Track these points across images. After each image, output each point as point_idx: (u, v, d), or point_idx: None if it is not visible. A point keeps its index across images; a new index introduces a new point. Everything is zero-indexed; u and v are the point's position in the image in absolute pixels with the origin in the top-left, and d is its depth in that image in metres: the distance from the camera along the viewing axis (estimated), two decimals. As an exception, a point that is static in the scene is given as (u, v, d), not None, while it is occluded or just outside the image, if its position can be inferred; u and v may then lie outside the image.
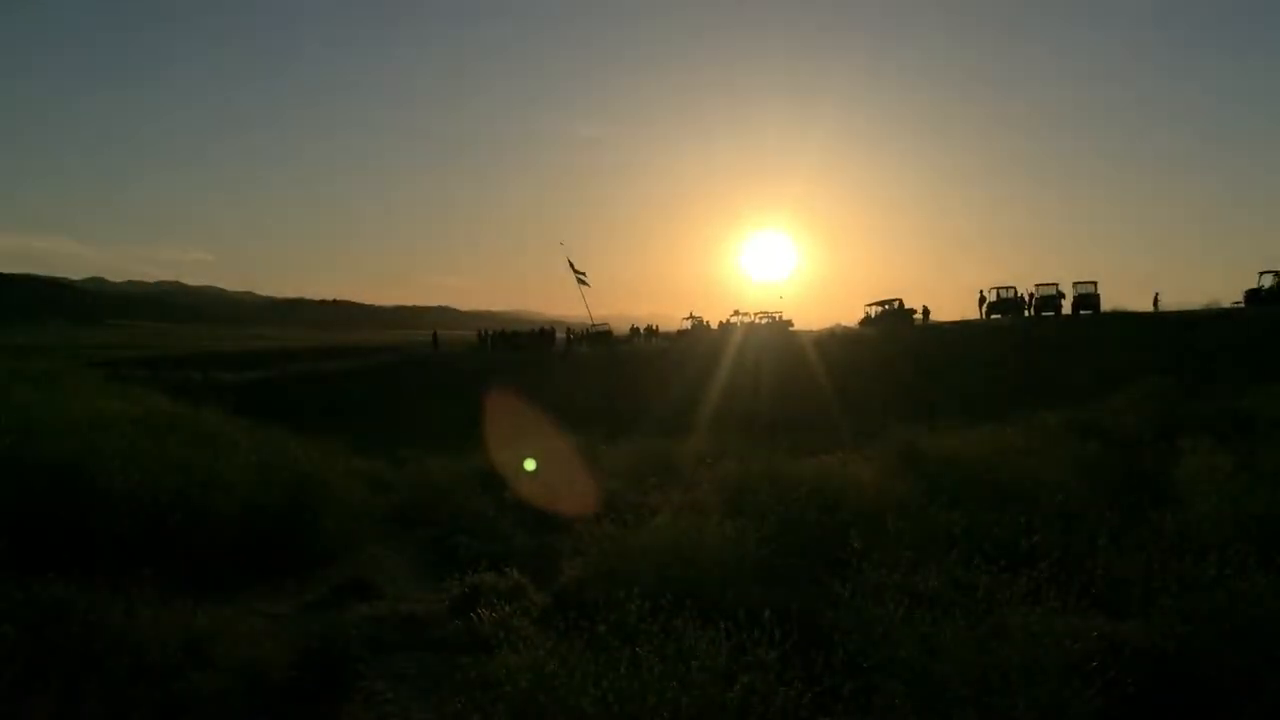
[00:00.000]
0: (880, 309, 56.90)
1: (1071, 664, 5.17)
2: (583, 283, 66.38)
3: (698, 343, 55.96)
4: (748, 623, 5.07)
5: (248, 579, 10.48)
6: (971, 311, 55.58)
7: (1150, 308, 51.70)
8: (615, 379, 46.61)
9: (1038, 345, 42.19)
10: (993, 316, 52.56)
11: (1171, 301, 52.21)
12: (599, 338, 62.44)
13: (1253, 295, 47.68)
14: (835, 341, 50.41)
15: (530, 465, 18.98)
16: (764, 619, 5.04)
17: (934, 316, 57.80)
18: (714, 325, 61.76)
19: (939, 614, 5.28)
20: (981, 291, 55.08)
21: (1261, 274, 47.77)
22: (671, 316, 70.53)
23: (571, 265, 66.14)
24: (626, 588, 6.08)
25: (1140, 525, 8.75)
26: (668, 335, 64.11)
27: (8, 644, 5.77)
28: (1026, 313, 51.93)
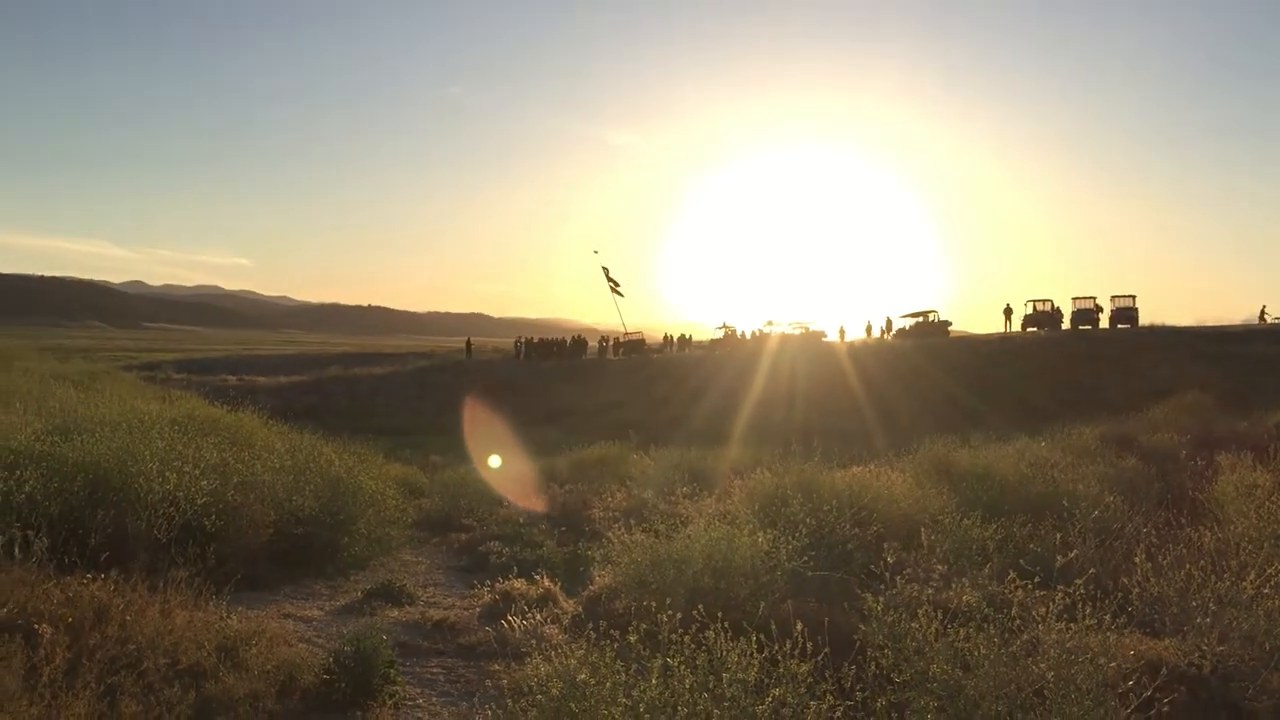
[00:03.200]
0: (915, 320, 56.67)
1: (1107, 682, 5.11)
2: (617, 292, 66.64)
3: (730, 352, 55.92)
4: (780, 635, 5.05)
5: (281, 582, 10.57)
6: (998, 325, 55.37)
7: (1258, 319, 50.94)
8: (648, 388, 46.63)
9: (1074, 358, 41.82)
10: (1029, 329, 52.16)
11: (1210, 316, 51.72)
12: (632, 347, 62.51)
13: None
14: (869, 352, 50.23)
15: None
16: (796, 632, 5.01)
17: (964, 330, 57.72)
18: (747, 335, 61.69)
19: (972, 630, 5.23)
20: (1008, 304, 54.77)
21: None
22: (705, 326, 70.65)
23: (606, 274, 66.43)
24: (658, 598, 6.07)
25: (1177, 542, 8.64)
26: (701, 344, 64.08)
27: (46, 643, 5.84)
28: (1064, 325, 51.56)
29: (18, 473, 8.73)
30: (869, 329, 59.29)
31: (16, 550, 7.04)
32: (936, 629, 5.30)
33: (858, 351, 50.18)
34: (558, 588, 10.03)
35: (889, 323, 58.41)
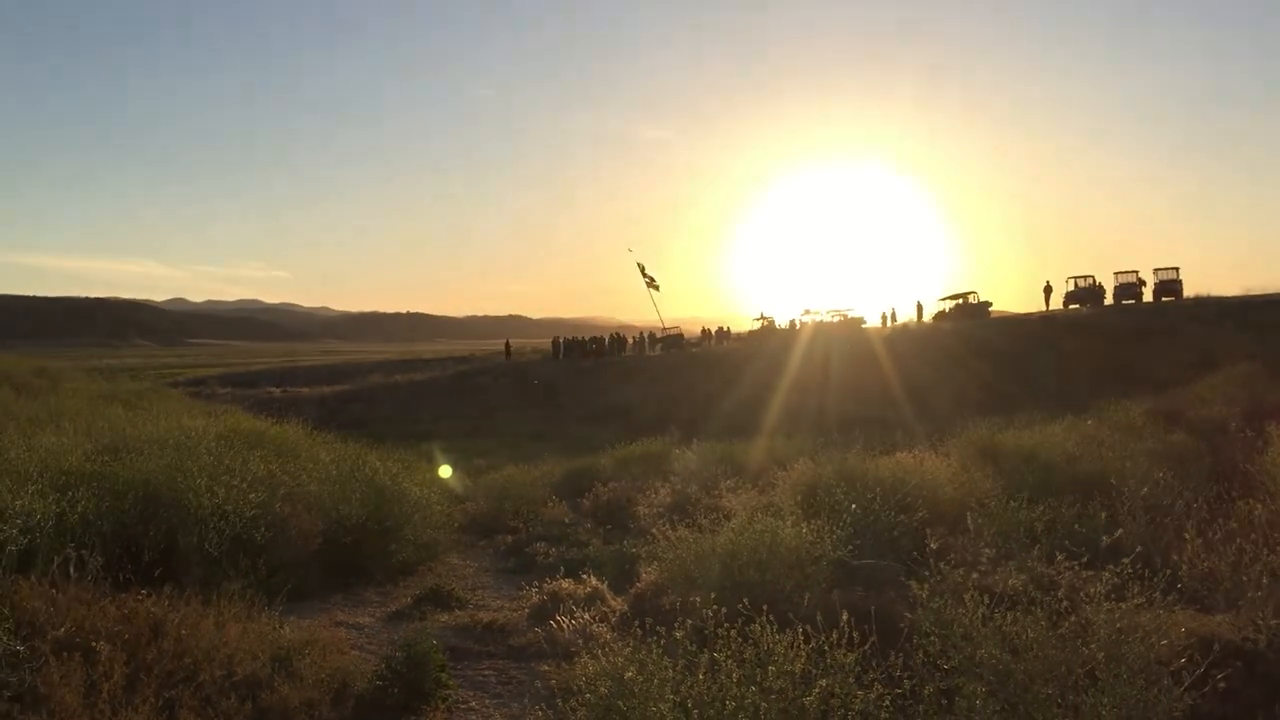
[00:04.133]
0: (954, 303, 56.14)
1: (1159, 661, 5.06)
2: (653, 287, 66.62)
3: (768, 343, 55.76)
4: (825, 626, 5.04)
5: (332, 590, 10.70)
6: (1038, 303, 54.66)
7: None
8: (687, 382, 46.62)
9: (1118, 335, 41.27)
10: (1071, 307, 51.42)
11: (1256, 285, 50.61)
12: (671, 342, 62.47)
13: (1343, 275, 46.26)
14: (908, 337, 49.87)
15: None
16: (842, 621, 5.00)
17: (1004, 309, 57.18)
18: (785, 324, 61.51)
19: (1019, 613, 5.20)
20: (1048, 282, 54.06)
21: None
22: (742, 317, 70.47)
23: (642, 270, 66.44)
24: (703, 593, 6.07)
25: (1228, 516, 8.52)
26: (739, 336, 63.94)
27: (104, 660, 5.95)
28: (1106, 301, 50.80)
29: (70, 493, 8.89)
30: (892, 315, 58.71)
31: (72, 569, 7.16)
32: (983, 613, 5.27)
33: (896, 337, 49.84)
34: (605, 586, 10.05)
35: (920, 308, 57.99)
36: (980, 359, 39.79)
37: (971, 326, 49.24)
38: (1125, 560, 5.70)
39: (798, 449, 16.69)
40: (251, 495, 10.01)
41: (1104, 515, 8.57)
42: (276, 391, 58.13)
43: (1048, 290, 53.74)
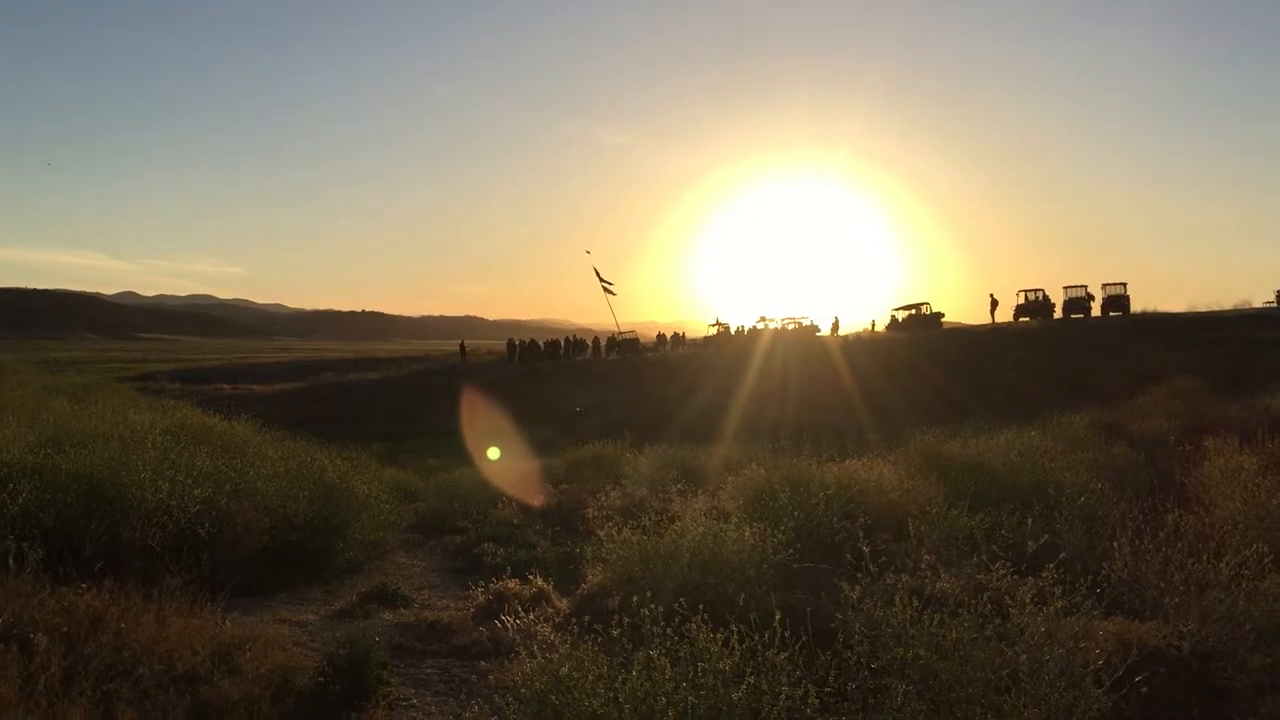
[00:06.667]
0: (908, 313, 56.81)
1: (1084, 664, 5.20)
2: (609, 291, 66.81)
3: (724, 349, 56.06)
4: (761, 626, 5.14)
5: (276, 588, 10.65)
6: (984, 315, 55.36)
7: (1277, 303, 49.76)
8: (643, 387, 46.70)
9: (1067, 348, 41.92)
10: (1021, 319, 52.23)
11: (1201, 302, 51.67)
12: (626, 346, 62.57)
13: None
14: (862, 346, 50.35)
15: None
16: (775, 622, 5.11)
17: (957, 320, 57.93)
18: (744, 330, 61.81)
19: (946, 615, 5.33)
20: (992, 295, 54.76)
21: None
22: (700, 323, 70.78)
23: (598, 274, 66.63)
24: (644, 593, 6.16)
25: (1161, 527, 8.74)
26: (695, 342, 64.19)
27: (42, 652, 5.92)
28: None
29: (10, 485, 8.81)
30: (835, 326, 59.50)
31: (11, 562, 7.11)
32: (912, 615, 5.39)
33: (851, 346, 50.31)
34: (551, 587, 10.11)
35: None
36: (934, 368, 40.23)
37: (925, 336, 49.85)
38: (1050, 566, 5.85)
39: (750, 455, 16.81)
40: (196, 491, 9.95)
41: (1029, 521, 8.75)
42: (227, 388, 57.47)
43: (994, 303, 54.44)
